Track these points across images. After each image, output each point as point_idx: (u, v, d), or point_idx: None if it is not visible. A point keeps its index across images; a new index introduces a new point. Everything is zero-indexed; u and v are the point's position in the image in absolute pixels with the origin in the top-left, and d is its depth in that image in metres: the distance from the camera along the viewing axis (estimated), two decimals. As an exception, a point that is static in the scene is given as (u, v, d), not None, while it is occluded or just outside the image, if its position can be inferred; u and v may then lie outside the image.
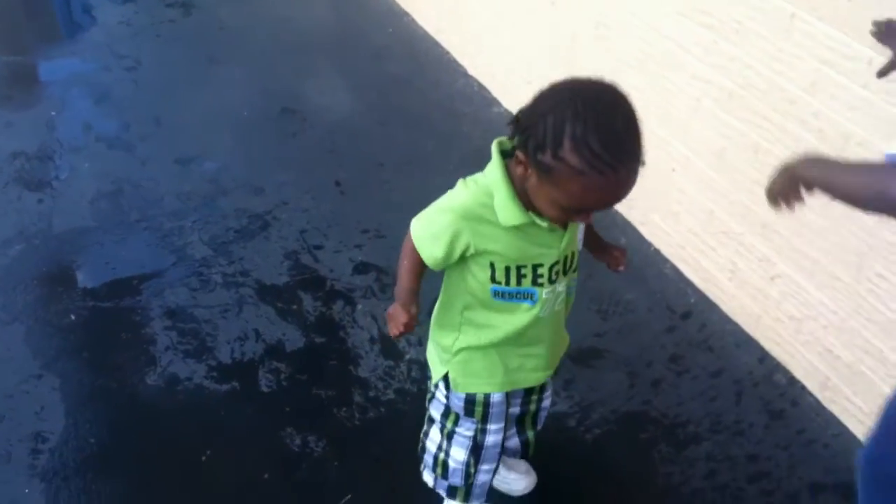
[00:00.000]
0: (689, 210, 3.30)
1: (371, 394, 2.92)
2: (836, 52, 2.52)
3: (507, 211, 1.80)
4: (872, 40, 2.18)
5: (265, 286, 3.37)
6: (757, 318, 3.09)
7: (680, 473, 2.67)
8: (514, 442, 2.40)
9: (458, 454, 2.25)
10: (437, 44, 5.15)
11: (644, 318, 3.23)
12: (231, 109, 4.57)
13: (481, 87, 4.65)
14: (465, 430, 2.21)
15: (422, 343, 2.67)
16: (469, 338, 2.05)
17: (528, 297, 1.94)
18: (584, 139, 1.58)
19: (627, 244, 3.56)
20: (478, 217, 1.83)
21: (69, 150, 4.23)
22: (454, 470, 2.27)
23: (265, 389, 2.94)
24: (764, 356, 3.06)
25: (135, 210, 3.80)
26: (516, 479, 2.57)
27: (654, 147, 3.32)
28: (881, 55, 2.22)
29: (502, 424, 2.21)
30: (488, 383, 2.12)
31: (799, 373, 2.96)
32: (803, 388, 2.93)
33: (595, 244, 2.17)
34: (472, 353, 2.07)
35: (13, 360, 3.04)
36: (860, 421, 2.74)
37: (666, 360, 3.06)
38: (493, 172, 1.81)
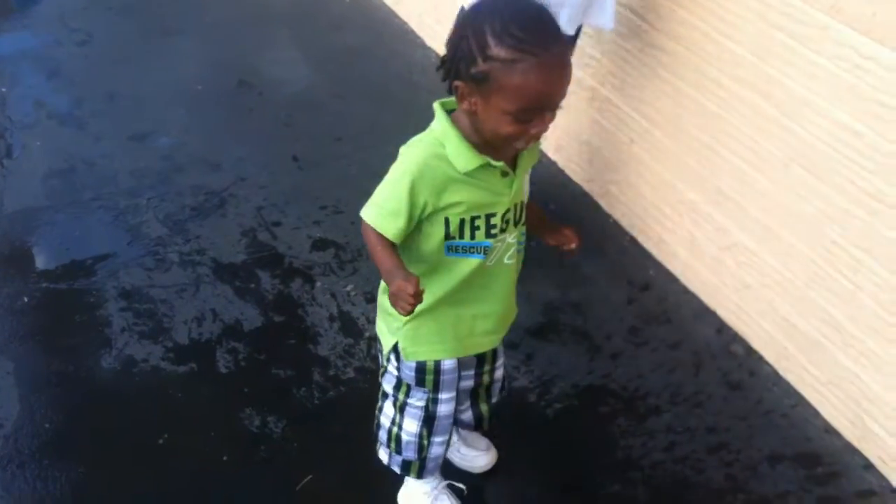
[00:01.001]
0: (648, 181, 3.29)
1: (331, 372, 2.90)
2: (789, 16, 2.51)
3: (462, 156, 1.82)
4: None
5: (222, 265, 3.33)
6: (715, 289, 3.10)
7: (640, 446, 2.68)
8: (467, 415, 2.39)
9: (411, 426, 2.24)
10: (394, 14, 5.09)
11: (603, 291, 3.23)
12: (185, 83, 4.50)
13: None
14: (417, 400, 2.21)
15: (380, 321, 2.65)
16: (422, 306, 2.03)
17: (482, 251, 1.95)
18: (504, 30, 1.64)
19: (586, 217, 3.55)
20: (433, 168, 1.83)
21: (20, 128, 4.14)
22: (407, 443, 2.27)
23: (223, 370, 2.91)
24: (722, 327, 3.07)
25: (88, 188, 3.74)
26: (477, 456, 2.57)
27: (612, 118, 3.34)
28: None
29: (454, 394, 2.20)
30: (438, 349, 2.12)
31: (756, 343, 2.97)
32: (761, 358, 2.95)
33: (542, 226, 2.16)
34: (421, 319, 2.06)
35: (-35, 344, 3.00)
36: (817, 390, 2.76)
37: (625, 332, 3.06)
38: (440, 124, 1.85)
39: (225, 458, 2.63)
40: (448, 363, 2.14)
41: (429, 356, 2.12)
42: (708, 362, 2.95)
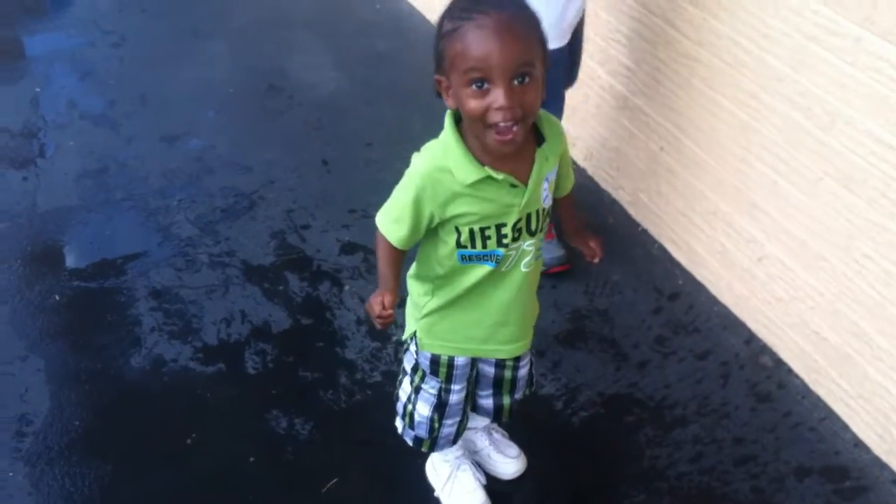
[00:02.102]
0: (678, 190, 3.28)
1: (358, 376, 2.91)
2: (823, 28, 2.50)
3: (463, 168, 1.83)
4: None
5: (251, 266, 3.35)
6: (744, 300, 3.08)
7: (666, 456, 2.67)
8: (488, 402, 2.40)
9: (423, 409, 2.27)
10: (425, 20, 5.10)
11: (631, 299, 3.23)
12: (217, 86, 4.53)
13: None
14: (430, 387, 2.24)
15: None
16: (438, 300, 2.09)
17: (494, 259, 1.97)
18: (454, 7, 1.72)
19: (615, 223, 3.54)
20: (436, 181, 1.85)
21: (54, 128, 4.19)
22: (419, 423, 2.30)
23: (251, 371, 2.93)
24: (751, 338, 3.05)
25: (120, 189, 3.77)
26: (506, 463, 2.57)
27: (642, 126, 3.34)
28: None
29: (465, 384, 2.24)
30: (450, 347, 2.16)
31: (786, 355, 2.96)
32: (790, 370, 2.93)
33: (573, 229, 2.21)
34: (436, 317, 2.11)
35: (-3, 341, 3.03)
36: (846, 404, 2.74)
37: (652, 341, 3.05)
38: (446, 135, 1.86)
39: (252, 458, 2.65)
40: (461, 359, 2.18)
41: (441, 351, 2.17)
42: (736, 373, 2.94)
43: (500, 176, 1.83)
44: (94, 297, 3.21)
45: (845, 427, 2.75)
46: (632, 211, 3.60)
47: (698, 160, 3.13)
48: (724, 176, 3.02)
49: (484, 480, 2.53)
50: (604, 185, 3.72)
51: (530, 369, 2.39)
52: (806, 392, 2.87)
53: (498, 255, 1.95)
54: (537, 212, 1.96)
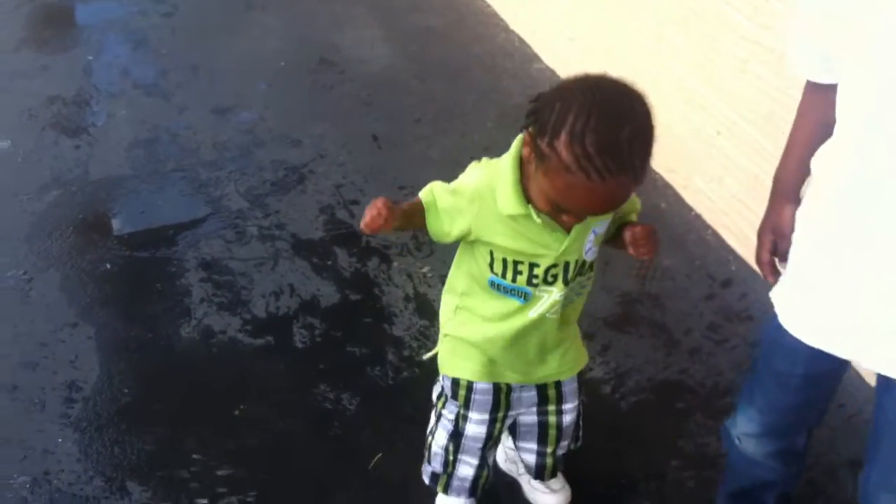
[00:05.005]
0: (734, 175, 3.22)
1: (405, 353, 2.90)
2: None
3: (507, 198, 1.76)
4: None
5: (300, 240, 3.35)
6: (799, 289, 3.03)
7: (716, 444, 2.63)
8: (529, 458, 2.29)
9: (441, 438, 2.21)
10: (477, -4, 5.07)
11: (683, 284, 3.18)
12: (268, 58, 4.53)
13: (522, 42, 4.57)
14: (449, 412, 2.17)
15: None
16: (461, 327, 2.03)
17: (522, 295, 1.89)
18: (580, 136, 1.53)
19: (668, 208, 3.50)
20: (482, 200, 1.79)
21: (106, 96, 4.21)
22: (435, 454, 2.24)
23: (299, 345, 2.93)
24: (805, 327, 3.00)
25: (171, 159, 3.78)
26: (545, 494, 2.44)
27: (697, 108, 3.28)
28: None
29: (486, 416, 2.13)
30: (469, 369, 2.07)
31: (840, 346, 2.90)
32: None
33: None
34: (460, 336, 2.04)
35: (48, 307, 3.05)
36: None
37: (704, 328, 3.01)
38: (507, 158, 1.77)
39: (298, 432, 2.65)
40: (482, 384, 2.09)
41: (459, 374, 2.09)
42: (789, 363, 2.89)
43: (538, 219, 1.76)
44: (145, 266, 3.23)
45: (901, 421, 2.69)
46: (685, 195, 3.55)
47: (756, 145, 3.07)
48: (783, 162, 2.96)
49: None
50: (657, 168, 3.67)
51: (577, 420, 2.24)
52: (860, 384, 2.81)
53: (527, 293, 1.88)
54: (576, 262, 1.86)
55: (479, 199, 1.80)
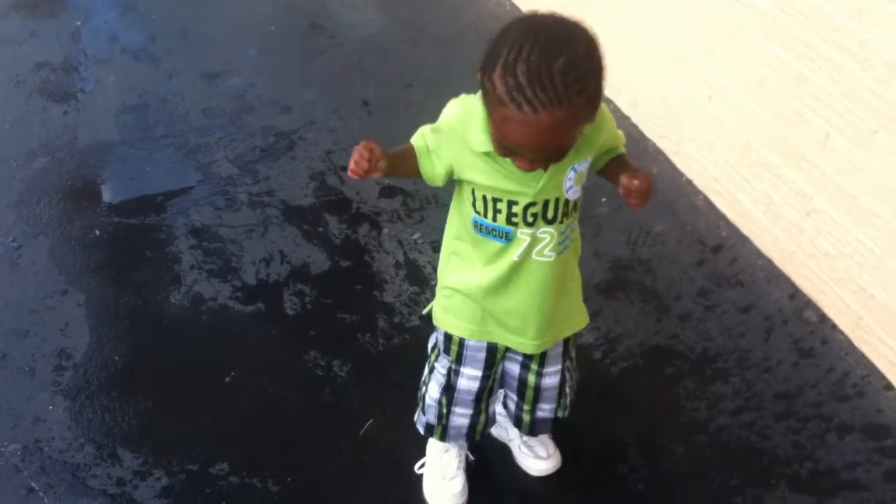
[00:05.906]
0: (725, 140, 3.21)
1: (396, 319, 2.90)
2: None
3: (476, 136, 1.74)
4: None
5: (291, 207, 3.33)
6: (790, 254, 3.03)
7: (706, 409, 2.64)
8: (510, 405, 2.31)
9: (433, 391, 2.21)
10: (469, -40, 5.02)
11: (674, 250, 3.18)
12: (258, 23, 4.49)
13: (514, 6, 4.53)
14: (441, 367, 2.17)
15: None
16: (454, 276, 2.02)
17: (504, 235, 1.86)
18: (512, 66, 1.53)
19: (659, 173, 3.49)
20: (459, 136, 1.78)
21: (94, 62, 4.17)
22: (429, 406, 2.25)
23: (290, 312, 2.93)
24: (795, 292, 3.01)
25: (160, 125, 3.76)
26: (535, 461, 2.45)
27: (690, 73, 3.26)
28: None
29: (479, 373, 2.13)
30: (461, 327, 2.07)
31: (831, 311, 2.91)
32: (834, 326, 2.89)
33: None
34: (453, 291, 2.04)
35: (38, 274, 3.04)
36: (891, 362, 2.70)
37: (695, 293, 3.01)
38: (476, 100, 1.75)
39: (289, 398, 2.66)
40: (473, 342, 2.09)
41: (452, 329, 2.09)
42: (779, 328, 2.90)
43: (505, 159, 1.74)
44: (134, 233, 3.22)
45: (889, 385, 2.71)
46: (677, 161, 3.54)
47: (747, 110, 3.06)
48: (774, 127, 2.95)
49: (471, 458, 2.46)
50: (649, 133, 3.65)
51: (562, 386, 2.22)
52: (849, 348, 2.83)
53: (508, 233, 1.85)
54: (556, 200, 1.82)
55: (456, 136, 1.79)
